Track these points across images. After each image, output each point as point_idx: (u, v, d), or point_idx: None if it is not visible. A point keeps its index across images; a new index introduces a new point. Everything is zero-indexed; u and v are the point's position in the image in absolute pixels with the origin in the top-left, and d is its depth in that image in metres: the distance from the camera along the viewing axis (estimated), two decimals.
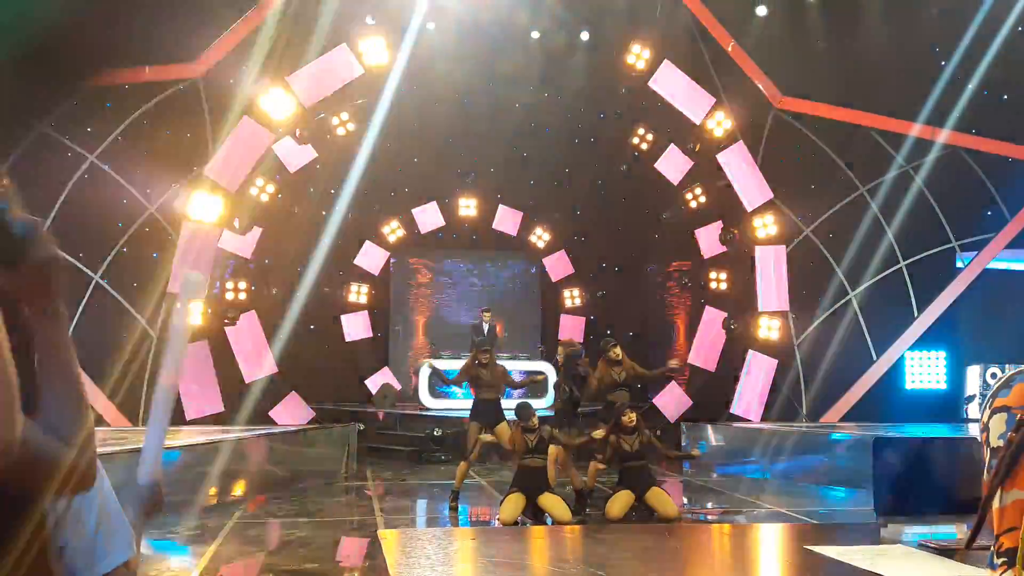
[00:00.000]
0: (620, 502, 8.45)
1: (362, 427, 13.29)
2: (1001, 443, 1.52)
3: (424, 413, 14.04)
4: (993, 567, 1.49)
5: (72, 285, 12.58)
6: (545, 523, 8.13)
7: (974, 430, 12.03)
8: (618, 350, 9.75)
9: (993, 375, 14.34)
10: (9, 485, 1.04)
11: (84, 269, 12.93)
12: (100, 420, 12.13)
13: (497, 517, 8.23)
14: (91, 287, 12.95)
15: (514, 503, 8.11)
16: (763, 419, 13.62)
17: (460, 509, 9.39)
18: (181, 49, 13.19)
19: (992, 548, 1.52)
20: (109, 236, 13.08)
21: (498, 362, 10.08)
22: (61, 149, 12.75)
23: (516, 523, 7.98)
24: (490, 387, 9.61)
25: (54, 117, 12.66)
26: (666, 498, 8.54)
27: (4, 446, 0.96)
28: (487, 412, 9.52)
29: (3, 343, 0.99)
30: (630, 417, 8.63)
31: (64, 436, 1.13)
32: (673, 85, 14.10)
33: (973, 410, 14.58)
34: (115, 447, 8.25)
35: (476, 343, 10.73)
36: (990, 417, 1.59)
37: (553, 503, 8.18)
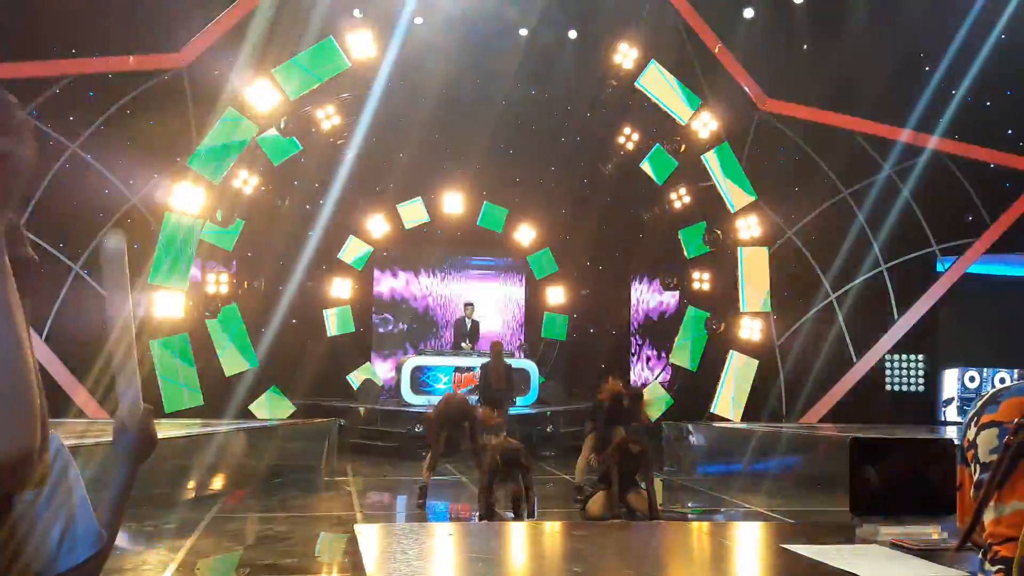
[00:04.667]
0: (599, 501, 8.50)
1: (343, 423, 13.26)
2: (994, 457, 1.54)
3: (406, 409, 14.02)
4: (987, 575, 1.51)
5: (52, 276, 12.47)
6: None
7: (951, 432, 12.12)
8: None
9: (971, 378, 14.49)
10: None
11: (64, 260, 12.83)
12: (80, 413, 12.05)
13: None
14: (71, 278, 12.85)
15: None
16: (743, 419, 13.70)
17: (440, 505, 9.40)
18: (166, 38, 13.11)
19: (982, 556, 1.53)
20: (90, 226, 12.97)
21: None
22: (42, 138, 12.65)
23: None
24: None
25: (35, 105, 12.55)
26: (646, 497, 8.59)
27: (24, 453, 0.93)
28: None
29: (26, 338, 0.96)
30: (638, 446, 8.54)
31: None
32: (659, 85, 14.14)
33: (951, 413, 14.71)
34: (94, 439, 8.20)
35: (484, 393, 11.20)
36: (977, 434, 1.60)
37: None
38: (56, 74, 12.66)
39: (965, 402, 14.52)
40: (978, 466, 1.57)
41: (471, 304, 15.79)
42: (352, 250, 16.03)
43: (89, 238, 12.97)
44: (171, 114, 13.15)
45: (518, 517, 8.30)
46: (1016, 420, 1.52)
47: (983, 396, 1.68)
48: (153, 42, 12.99)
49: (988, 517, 1.51)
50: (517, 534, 3.60)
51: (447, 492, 10.25)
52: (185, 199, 12.53)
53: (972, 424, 1.64)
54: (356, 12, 13.81)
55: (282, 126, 13.13)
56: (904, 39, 14.07)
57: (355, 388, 15.31)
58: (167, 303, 12.43)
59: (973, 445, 1.61)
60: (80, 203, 12.83)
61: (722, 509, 9.70)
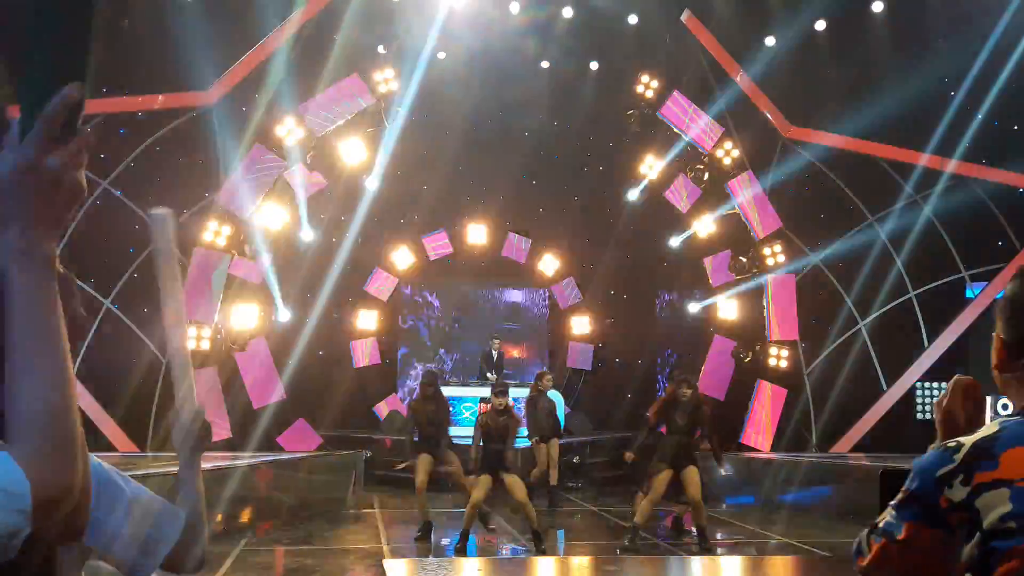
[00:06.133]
0: (663, 479, 8.73)
1: (369, 454, 13.25)
2: (1011, 524, 1.31)
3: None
4: None
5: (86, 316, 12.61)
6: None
7: None
8: (688, 390, 9.07)
9: (1004, 406, 14.21)
10: None
11: (95, 294, 12.99)
12: (109, 446, 12.14)
13: (470, 501, 8.70)
14: (102, 312, 13.01)
15: (484, 484, 8.62)
16: (773, 449, 13.54)
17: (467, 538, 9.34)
18: (194, 77, 13.34)
19: None
20: (120, 262, 13.15)
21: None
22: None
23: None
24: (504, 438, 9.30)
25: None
26: (697, 480, 8.75)
27: (70, 489, 0.96)
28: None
29: (72, 378, 0.99)
30: (685, 392, 8.88)
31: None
32: (682, 114, 14.17)
33: None
34: (125, 472, 8.23)
35: (495, 388, 9.62)
36: (974, 496, 1.36)
37: (514, 482, 8.62)
38: (88, 113, 12.86)
39: None
40: (980, 534, 1.34)
41: (497, 336, 15.79)
42: (378, 282, 16.11)
43: (119, 273, 13.14)
44: (200, 150, 13.35)
45: (538, 550, 8.29)
46: None
47: (958, 447, 1.41)
48: (181, 80, 13.22)
49: None
50: (544, 570, 3.57)
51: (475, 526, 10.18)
52: (214, 234, 12.68)
53: (955, 482, 1.38)
54: (380, 48, 13.99)
55: (308, 161, 13.28)
56: (927, 63, 14.02)
57: (381, 420, 15.31)
58: (196, 337, 12.53)
59: (966, 507, 1.36)
60: (111, 238, 13.02)
61: (752, 541, 9.56)
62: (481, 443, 8.74)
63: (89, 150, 0.98)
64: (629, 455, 9.38)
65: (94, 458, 1.40)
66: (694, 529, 9.09)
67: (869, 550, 1.46)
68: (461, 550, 8.56)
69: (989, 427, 1.44)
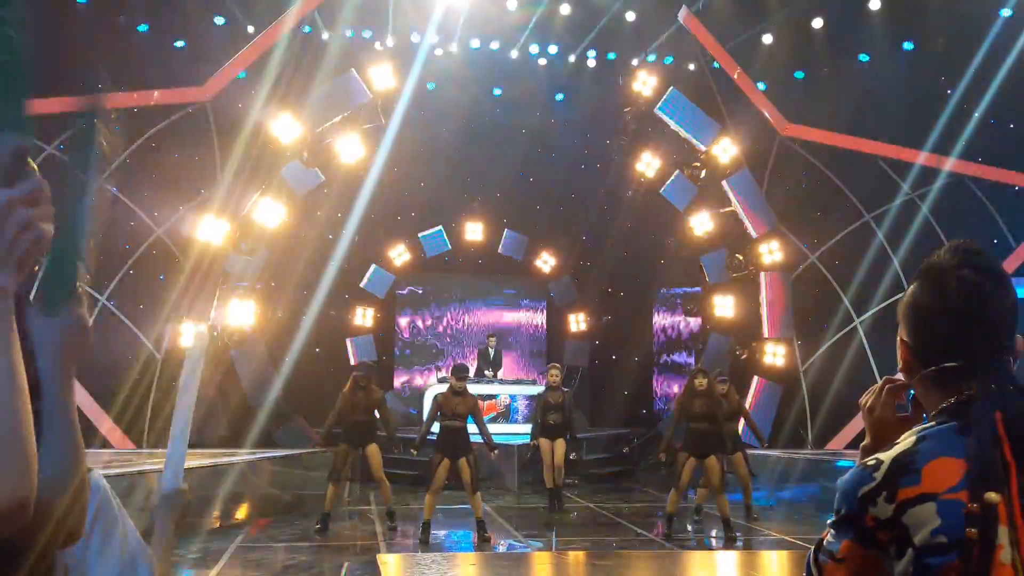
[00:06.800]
0: (686, 468, 9.02)
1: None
2: (941, 539, 1.29)
3: (429, 438, 13.97)
4: None
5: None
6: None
7: None
8: (703, 380, 9.23)
9: None
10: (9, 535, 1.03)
11: (91, 291, 12.97)
12: (105, 443, 12.13)
13: (428, 489, 8.91)
14: (98, 309, 12.99)
15: (442, 470, 8.85)
16: (768, 446, 13.54)
17: (462, 534, 9.35)
18: (190, 73, 13.32)
19: None
20: (116, 258, 13.14)
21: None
22: (68, 171, 12.83)
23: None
24: (458, 416, 9.20)
25: (62, 140, 12.76)
26: (718, 469, 8.95)
27: (21, 503, 0.94)
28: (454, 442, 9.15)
29: (25, 394, 0.97)
30: (701, 382, 9.03)
31: (60, 487, 1.13)
32: (679, 112, 14.17)
33: None
34: (120, 469, 8.25)
35: (453, 369, 9.61)
36: (901, 512, 1.33)
37: (464, 468, 8.85)
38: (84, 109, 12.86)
39: None
40: (911, 550, 1.31)
41: (494, 334, 15.81)
42: (374, 279, 16.10)
43: (115, 270, 13.13)
44: (195, 147, 13.33)
45: (482, 539, 8.50)
46: (979, 503, 1.27)
47: (878, 464, 1.38)
48: (177, 76, 13.20)
49: None
50: (540, 564, 3.58)
51: (470, 521, 10.20)
52: (210, 230, 12.66)
53: (879, 500, 1.35)
54: (377, 45, 13.98)
55: (305, 157, 13.26)
56: (924, 61, 14.02)
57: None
58: (192, 334, 12.52)
59: (893, 525, 1.33)
60: (106, 235, 12.98)
61: (747, 537, 9.58)
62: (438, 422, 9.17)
63: (44, 199, 1.01)
64: (662, 456, 9.80)
65: (99, 477, 1.39)
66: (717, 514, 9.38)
67: (816, 570, 1.44)
68: (424, 542, 8.72)
69: (907, 439, 1.41)
